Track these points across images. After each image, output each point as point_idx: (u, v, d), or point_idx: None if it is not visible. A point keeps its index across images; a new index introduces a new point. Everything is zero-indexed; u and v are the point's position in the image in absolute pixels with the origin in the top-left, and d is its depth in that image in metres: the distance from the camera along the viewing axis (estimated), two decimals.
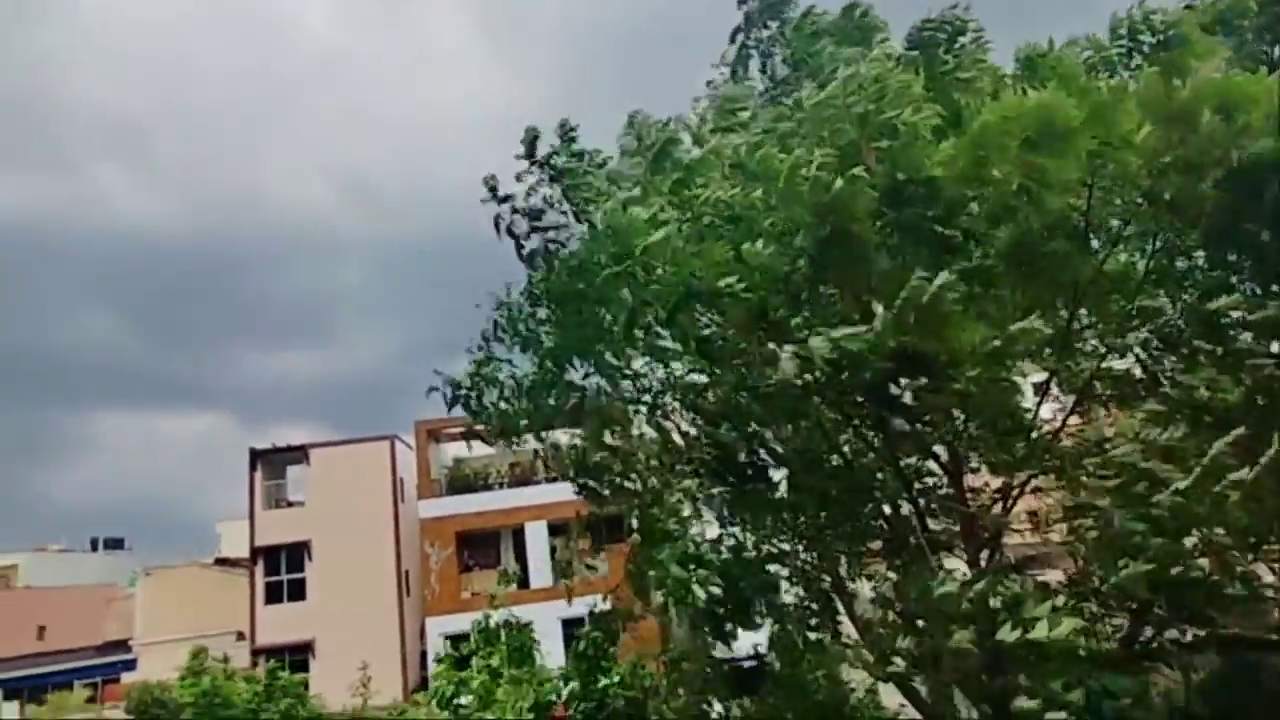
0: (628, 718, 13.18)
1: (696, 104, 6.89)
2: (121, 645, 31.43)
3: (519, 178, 7.82)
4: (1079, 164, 4.01)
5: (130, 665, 28.95)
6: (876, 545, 6.92)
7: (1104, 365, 6.03)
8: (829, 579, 7.00)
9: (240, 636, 27.99)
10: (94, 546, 54.67)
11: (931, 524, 6.31)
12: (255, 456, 29.74)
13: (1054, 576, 7.09)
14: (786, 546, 7.46)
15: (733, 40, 7.60)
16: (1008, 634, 3.81)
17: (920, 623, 4.30)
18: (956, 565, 6.38)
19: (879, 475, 6.31)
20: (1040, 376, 6.15)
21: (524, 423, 8.15)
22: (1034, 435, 4.96)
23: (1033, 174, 4.12)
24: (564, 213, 7.73)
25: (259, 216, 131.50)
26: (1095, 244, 5.15)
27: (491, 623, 16.35)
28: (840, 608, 6.96)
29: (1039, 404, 5.38)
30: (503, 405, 8.05)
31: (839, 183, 4.12)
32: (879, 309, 4.15)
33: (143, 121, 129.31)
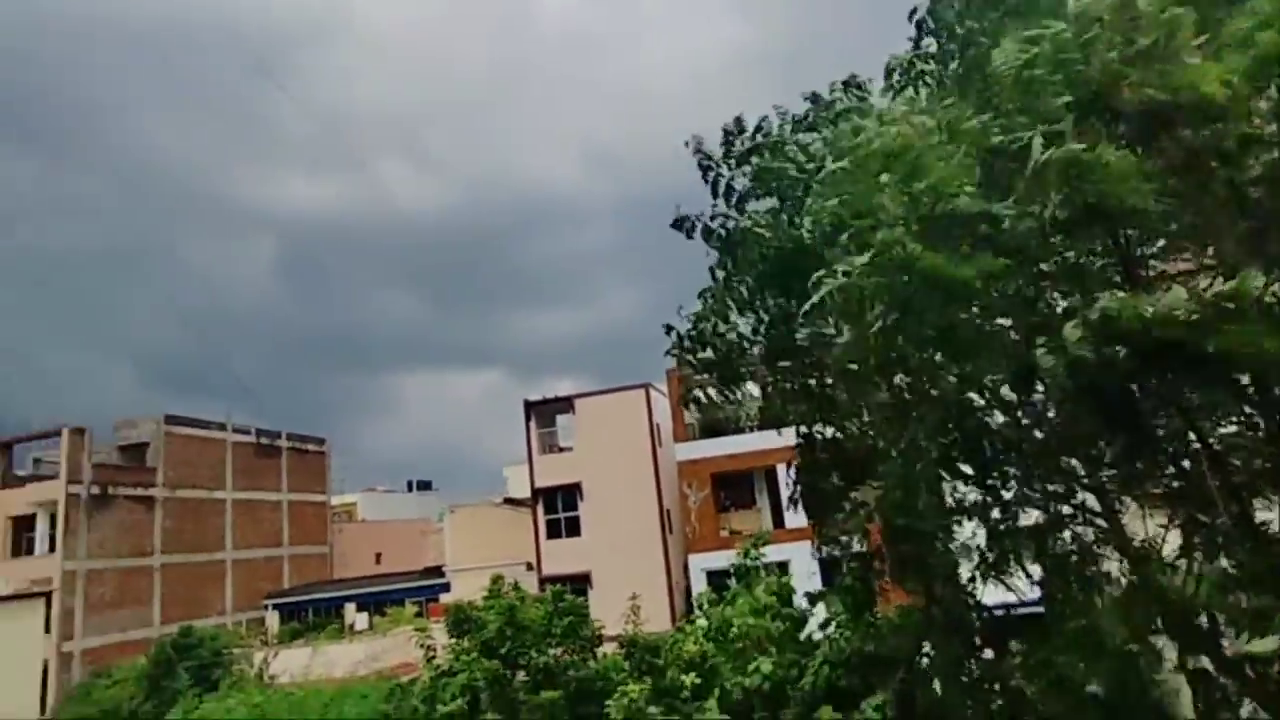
0: (895, 658, 13.05)
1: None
2: (437, 571, 36.83)
3: (728, 155, 7.75)
4: None
5: (446, 588, 33.86)
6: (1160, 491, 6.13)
7: None
8: (1101, 527, 6.36)
9: (530, 567, 31.55)
10: (409, 488, 64.57)
11: (1231, 464, 5.43)
12: (529, 408, 32.94)
13: None
14: (1056, 488, 6.90)
15: None
16: (1242, 645, 3.11)
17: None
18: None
19: (1160, 414, 5.56)
20: None
21: (745, 374, 8.28)
22: None
23: None
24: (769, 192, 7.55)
25: (519, 190, 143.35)
26: None
27: (749, 563, 16.91)
28: (1111, 558, 6.32)
29: None
30: (721, 356, 8.20)
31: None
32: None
33: (414, 117, 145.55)
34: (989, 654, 8.37)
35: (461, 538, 35.70)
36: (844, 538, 9.33)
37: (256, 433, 43.47)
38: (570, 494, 31.58)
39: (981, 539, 7.38)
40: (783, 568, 20.13)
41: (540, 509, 31.79)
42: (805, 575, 23.89)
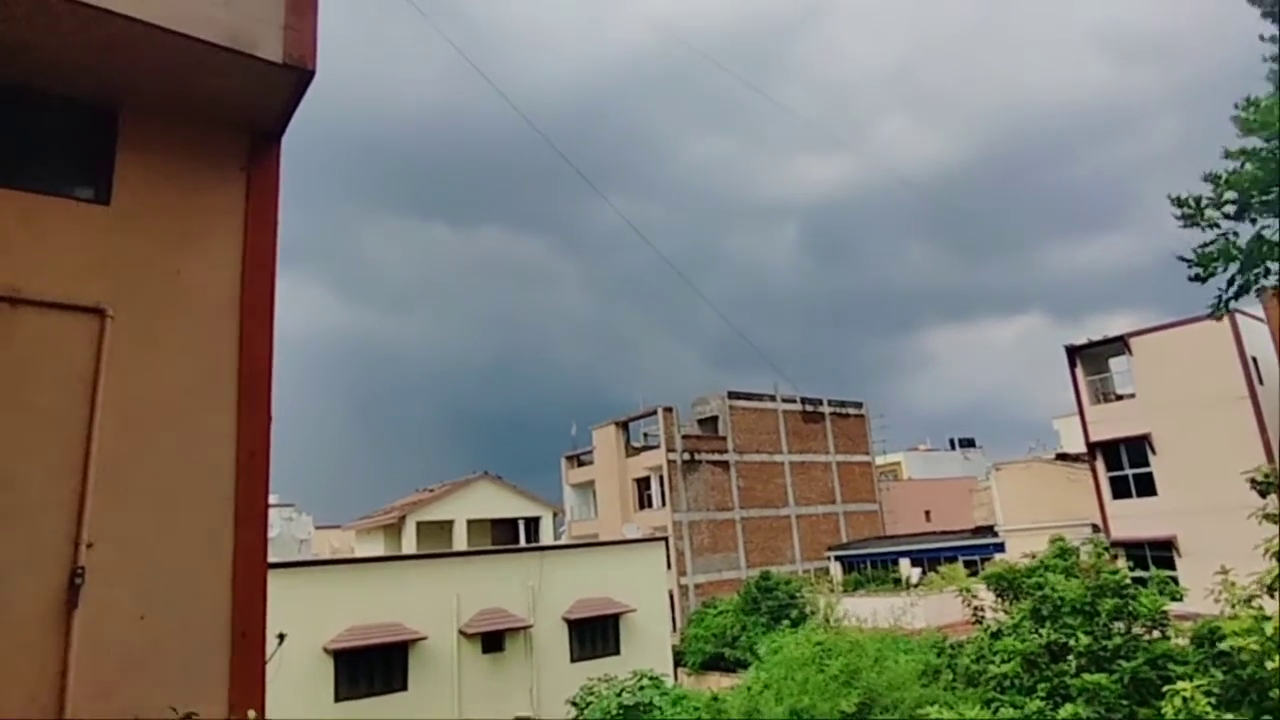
0: None
1: None
2: (988, 530, 35.61)
3: None
4: None
5: (1000, 547, 32.59)
6: None
7: None
8: None
9: (1095, 529, 28.42)
10: (952, 445, 63.33)
11: None
12: (1072, 353, 29.58)
13: None
14: None
15: None
16: None
17: None
18: None
19: None
20: None
21: None
22: None
23: None
24: None
25: (1037, 111, 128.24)
26: None
27: None
28: None
29: None
30: None
31: None
32: None
33: (907, 70, 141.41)
34: None
35: (1011, 496, 33.90)
36: None
37: (801, 400, 47.84)
38: (1137, 447, 27.40)
39: None
40: None
41: (1100, 465, 28.32)
42: None
